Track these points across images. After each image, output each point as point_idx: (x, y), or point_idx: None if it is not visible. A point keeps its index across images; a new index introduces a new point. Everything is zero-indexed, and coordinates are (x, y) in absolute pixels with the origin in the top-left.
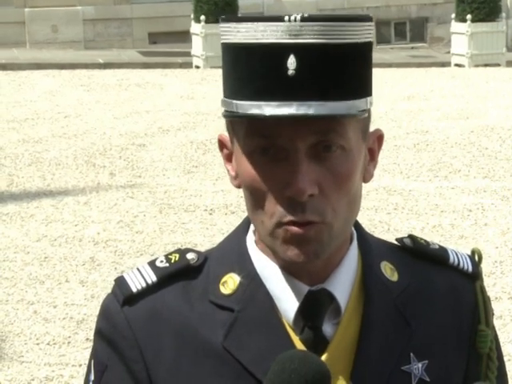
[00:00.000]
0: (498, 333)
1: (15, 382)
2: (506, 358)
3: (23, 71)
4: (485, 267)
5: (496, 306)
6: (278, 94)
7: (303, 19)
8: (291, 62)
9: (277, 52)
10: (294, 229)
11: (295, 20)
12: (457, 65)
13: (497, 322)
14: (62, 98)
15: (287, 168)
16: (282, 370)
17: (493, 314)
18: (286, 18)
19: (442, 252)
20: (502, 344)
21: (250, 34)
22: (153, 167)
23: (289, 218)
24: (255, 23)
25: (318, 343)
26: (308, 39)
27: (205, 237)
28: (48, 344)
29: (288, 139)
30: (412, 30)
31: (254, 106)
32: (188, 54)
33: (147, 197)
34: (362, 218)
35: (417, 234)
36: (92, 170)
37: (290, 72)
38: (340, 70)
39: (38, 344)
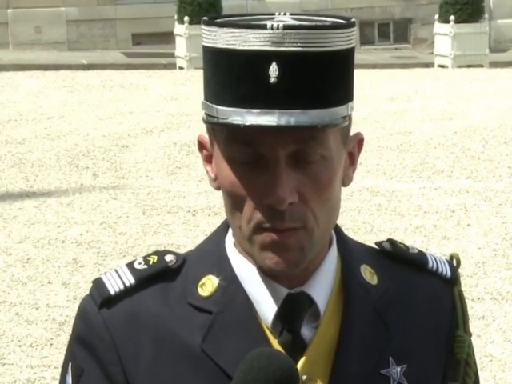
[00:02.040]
0: (480, 333)
1: None
2: (487, 359)
3: (6, 72)
4: (467, 268)
5: (478, 307)
6: (260, 101)
7: (286, 27)
8: (273, 70)
9: (259, 59)
10: (273, 235)
11: (278, 28)
12: (440, 66)
13: (479, 323)
14: (45, 99)
15: (267, 176)
16: (250, 369)
17: (468, 319)
18: (269, 25)
19: (421, 257)
20: (483, 344)
21: (233, 40)
22: (136, 168)
23: (267, 225)
24: (237, 29)
25: (296, 346)
26: (290, 47)
27: (188, 238)
28: (30, 346)
29: (269, 147)
30: (395, 31)
31: (235, 112)
32: (172, 55)
33: (130, 198)
34: (345, 218)
35: (400, 234)
36: (75, 171)
37: (272, 80)
38: (322, 79)
39: (20, 346)
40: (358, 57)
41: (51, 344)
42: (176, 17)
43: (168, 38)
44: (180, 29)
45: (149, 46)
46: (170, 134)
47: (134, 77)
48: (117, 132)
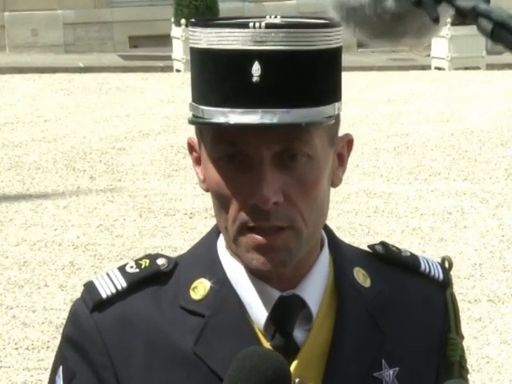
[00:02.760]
0: (477, 335)
1: None
2: (484, 361)
3: (3, 75)
4: (464, 270)
5: (475, 309)
6: (243, 100)
7: (268, 26)
8: (256, 69)
9: (242, 59)
10: (258, 238)
11: (260, 27)
12: (437, 68)
13: (476, 325)
14: (41, 101)
15: (252, 176)
16: (242, 367)
17: (460, 322)
18: (251, 24)
19: (414, 259)
20: (480, 346)
21: (216, 39)
22: (133, 171)
23: (251, 224)
24: (221, 29)
25: (288, 349)
26: (272, 46)
27: (185, 240)
28: (27, 349)
29: (253, 147)
30: None
31: (219, 112)
32: (169, 58)
33: (127, 201)
34: (342, 221)
35: (397, 236)
36: (72, 173)
37: (255, 79)
38: (305, 77)
39: (16, 349)
40: (355, 59)
41: (48, 347)
42: (173, 19)
43: (165, 40)
44: (177, 31)
45: (146, 49)
46: (167, 136)
47: (130, 79)
48: (113, 135)
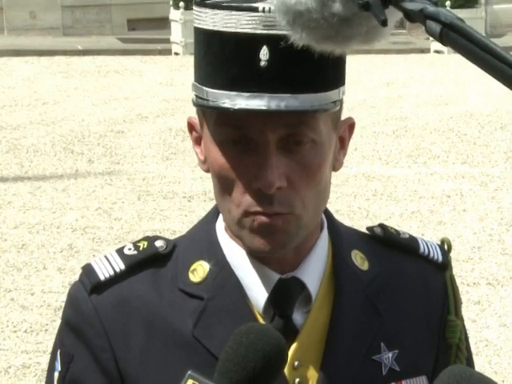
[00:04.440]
0: (476, 318)
1: None
2: (483, 344)
3: (1, 58)
4: (463, 253)
5: (474, 292)
6: (250, 84)
7: None
8: (264, 53)
9: (250, 42)
10: (261, 218)
11: (269, 11)
12: (436, 51)
13: (475, 308)
14: (40, 84)
15: (257, 160)
16: (239, 344)
17: (461, 303)
18: (261, 8)
19: (412, 242)
20: (479, 329)
21: (224, 22)
22: (131, 154)
23: (256, 208)
24: (229, 11)
25: (288, 332)
26: (281, 31)
27: (183, 223)
28: (25, 331)
29: (258, 131)
30: None
31: (225, 95)
32: (167, 41)
33: (126, 184)
34: (341, 204)
35: (396, 220)
36: (70, 156)
37: (263, 63)
38: (313, 63)
39: (15, 331)
40: None
41: (46, 330)
42: (171, 2)
43: (163, 23)
44: (175, 14)
45: (144, 32)
46: (166, 119)
47: (129, 62)
48: (112, 117)
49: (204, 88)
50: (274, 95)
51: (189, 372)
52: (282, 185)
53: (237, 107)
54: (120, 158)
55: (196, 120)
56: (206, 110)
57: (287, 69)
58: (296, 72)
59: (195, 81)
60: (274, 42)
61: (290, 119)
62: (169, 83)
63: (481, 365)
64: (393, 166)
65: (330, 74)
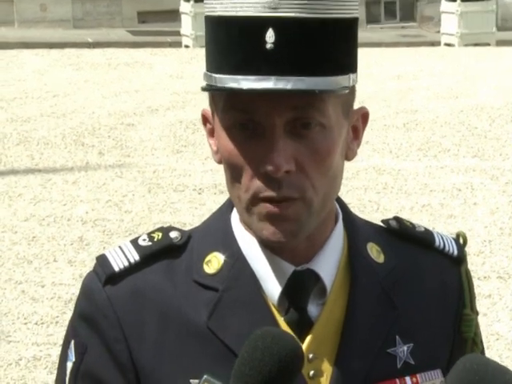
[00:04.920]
0: (487, 312)
1: (3, 361)
2: (494, 337)
3: (12, 50)
4: (474, 246)
5: (485, 286)
6: (256, 67)
7: None
8: (270, 36)
9: (255, 25)
10: (270, 207)
11: None
12: (447, 44)
13: (485, 301)
14: (50, 77)
15: (264, 144)
16: (255, 348)
17: (475, 298)
18: None
19: (428, 235)
20: (490, 323)
21: (230, 6)
22: (142, 147)
23: (265, 193)
24: None
25: (302, 324)
26: (287, 13)
27: (194, 216)
28: (36, 324)
29: (265, 114)
30: (402, 10)
31: (232, 79)
32: (177, 33)
33: (136, 176)
34: (352, 197)
35: (406, 213)
36: (81, 149)
37: (269, 46)
38: (319, 46)
39: (25, 324)
40: (364, 35)
41: (57, 322)
42: None
43: (173, 16)
44: (186, 7)
45: (154, 24)
46: (176, 112)
47: (139, 55)
48: (122, 110)
49: (213, 75)
50: (281, 77)
51: (205, 376)
52: (291, 168)
53: (244, 88)
54: (130, 150)
55: (209, 111)
56: (215, 98)
57: (293, 51)
58: (302, 54)
59: (206, 69)
60: (279, 24)
61: (297, 102)
62: (179, 76)
63: (492, 358)
64: (403, 159)
65: (337, 58)
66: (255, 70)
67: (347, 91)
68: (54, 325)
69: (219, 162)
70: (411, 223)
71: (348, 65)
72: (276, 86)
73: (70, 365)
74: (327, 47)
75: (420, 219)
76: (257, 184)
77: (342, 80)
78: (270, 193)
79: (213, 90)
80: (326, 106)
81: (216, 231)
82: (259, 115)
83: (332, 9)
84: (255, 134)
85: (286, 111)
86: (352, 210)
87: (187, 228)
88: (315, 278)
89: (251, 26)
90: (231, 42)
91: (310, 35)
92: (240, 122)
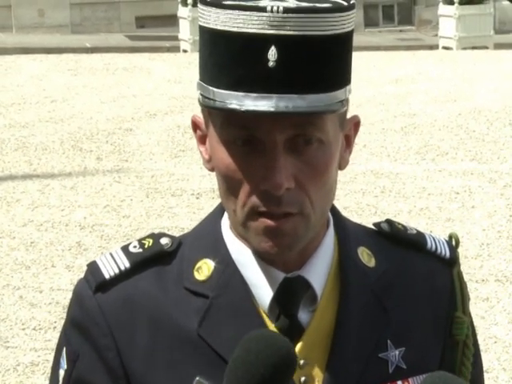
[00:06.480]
0: (485, 315)
1: (1, 367)
2: (492, 340)
3: (10, 56)
4: (472, 249)
5: (483, 289)
6: (258, 85)
7: (286, 10)
8: (272, 54)
9: (258, 43)
10: (268, 222)
11: (278, 11)
12: (444, 47)
13: (483, 304)
14: (48, 82)
15: (265, 161)
16: (248, 351)
17: (469, 299)
18: (269, 8)
19: (420, 237)
20: (488, 326)
21: (231, 22)
22: (140, 151)
23: (262, 208)
24: (236, 11)
25: (293, 331)
26: (289, 31)
27: (192, 221)
28: (34, 329)
29: (266, 132)
30: (400, 13)
31: (233, 96)
32: (175, 38)
33: (134, 181)
34: (350, 201)
35: (404, 216)
36: (79, 154)
37: (271, 64)
38: (321, 63)
39: (23, 329)
40: (362, 39)
41: (55, 327)
42: None
43: (172, 20)
44: (184, 11)
45: (152, 29)
46: (174, 116)
47: (137, 60)
48: (120, 115)
49: (210, 88)
50: (282, 96)
51: (197, 378)
52: (291, 186)
53: (244, 109)
54: (128, 155)
55: (200, 119)
56: (212, 110)
57: (295, 69)
58: (304, 72)
59: (201, 80)
60: (282, 42)
61: (298, 120)
62: (177, 81)
63: (489, 362)
64: (401, 162)
65: (337, 73)
66: (256, 88)
67: (345, 108)
68: (52, 330)
69: (211, 170)
70: (403, 226)
71: (345, 77)
72: (277, 106)
73: (62, 372)
74: (328, 63)
75: (418, 223)
76: (255, 200)
77: (340, 94)
78: (267, 209)
79: (213, 108)
80: (325, 122)
81: (206, 238)
82: (260, 132)
83: (334, 24)
84: (255, 150)
85: (287, 128)
86: (350, 213)
87: (185, 232)
88: (306, 285)
89: (254, 43)
90: (231, 57)
91: (312, 52)
92: (240, 137)
